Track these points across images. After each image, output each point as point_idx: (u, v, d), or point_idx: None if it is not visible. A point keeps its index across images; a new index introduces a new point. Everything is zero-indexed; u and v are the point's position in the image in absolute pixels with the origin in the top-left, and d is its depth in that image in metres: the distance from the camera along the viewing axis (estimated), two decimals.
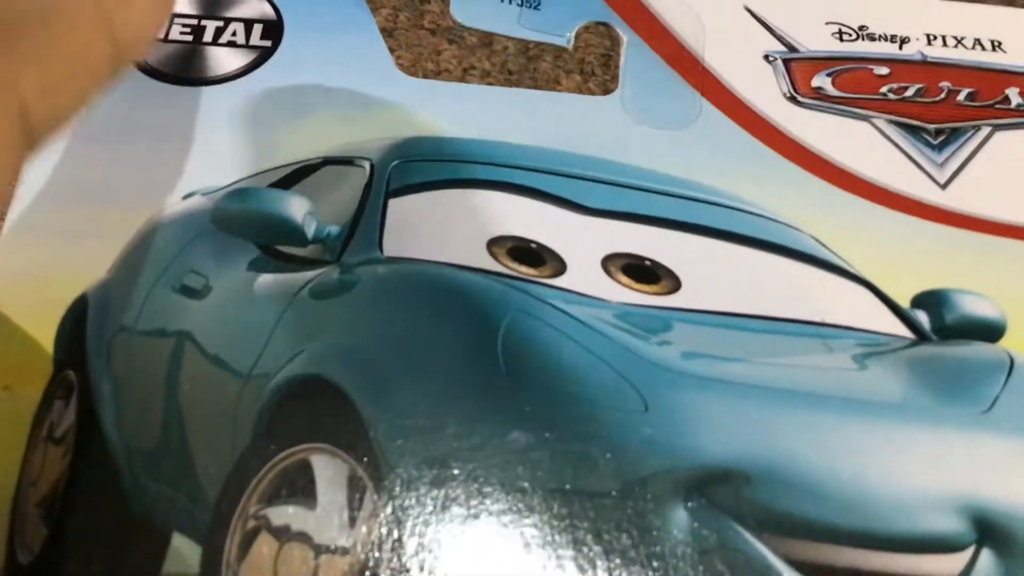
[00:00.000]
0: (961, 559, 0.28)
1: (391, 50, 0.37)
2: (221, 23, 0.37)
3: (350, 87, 0.36)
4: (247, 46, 0.37)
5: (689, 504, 0.28)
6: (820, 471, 0.28)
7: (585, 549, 0.27)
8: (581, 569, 0.27)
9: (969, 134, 0.36)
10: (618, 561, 0.27)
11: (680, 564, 0.27)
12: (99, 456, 0.31)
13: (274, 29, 0.37)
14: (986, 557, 0.28)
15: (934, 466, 0.29)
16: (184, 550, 0.29)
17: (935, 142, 0.36)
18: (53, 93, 0.24)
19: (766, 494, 0.28)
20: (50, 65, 0.24)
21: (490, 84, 0.37)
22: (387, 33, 0.37)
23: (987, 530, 0.28)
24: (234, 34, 0.37)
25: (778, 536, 0.28)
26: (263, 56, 0.37)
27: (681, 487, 0.28)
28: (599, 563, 0.27)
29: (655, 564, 0.27)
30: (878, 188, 0.35)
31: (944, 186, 0.35)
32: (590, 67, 0.36)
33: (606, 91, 0.37)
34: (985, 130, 0.36)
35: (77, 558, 0.30)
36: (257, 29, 0.37)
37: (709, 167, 0.35)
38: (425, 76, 0.37)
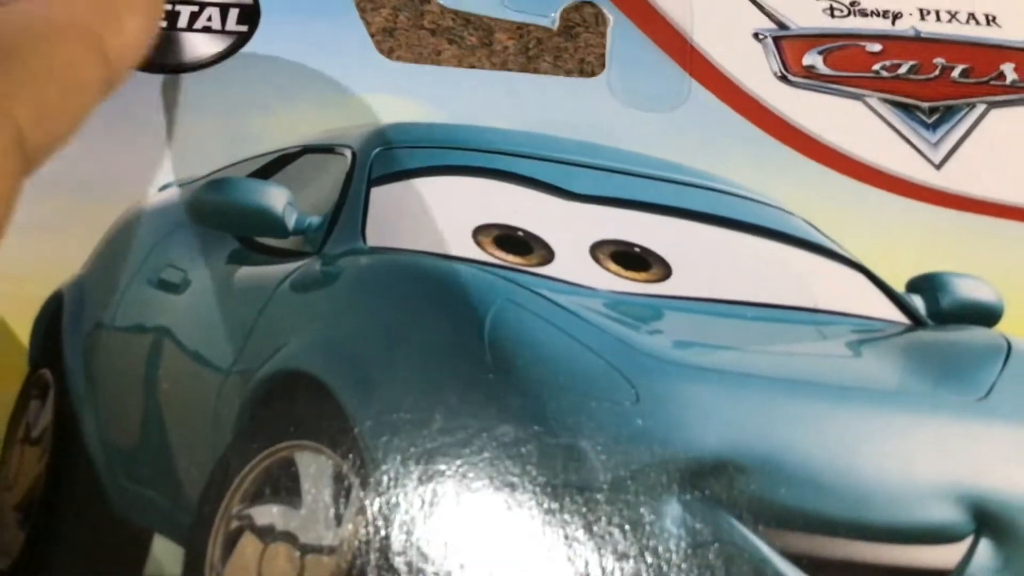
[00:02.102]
0: (959, 549, 0.28)
1: (391, 50, 0.36)
2: (196, 8, 0.36)
3: (329, 72, 0.35)
4: (223, 31, 0.36)
5: (682, 497, 0.27)
6: (815, 461, 0.28)
7: (576, 544, 0.27)
8: (573, 564, 0.27)
9: (964, 112, 0.35)
10: (610, 556, 0.27)
11: (673, 558, 0.27)
12: (77, 457, 0.31)
13: (250, 13, 0.36)
14: (984, 547, 0.28)
15: (931, 455, 0.29)
16: (166, 552, 0.29)
17: (929, 121, 0.35)
18: (48, 118, 0.24)
19: (761, 485, 0.28)
20: (44, 90, 0.24)
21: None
22: (387, 33, 0.36)
23: (985, 520, 0.28)
24: (209, 19, 0.36)
25: (773, 528, 0.27)
26: (240, 41, 0.36)
27: (674, 479, 0.27)
28: (591, 558, 0.27)
29: (648, 558, 0.27)
30: (871, 169, 0.34)
31: (939, 166, 0.34)
32: (590, 67, 0.36)
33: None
34: (980, 108, 0.35)
35: (56, 563, 0.29)
36: (233, 14, 0.36)
37: (699, 149, 0.34)
38: None
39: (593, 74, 0.36)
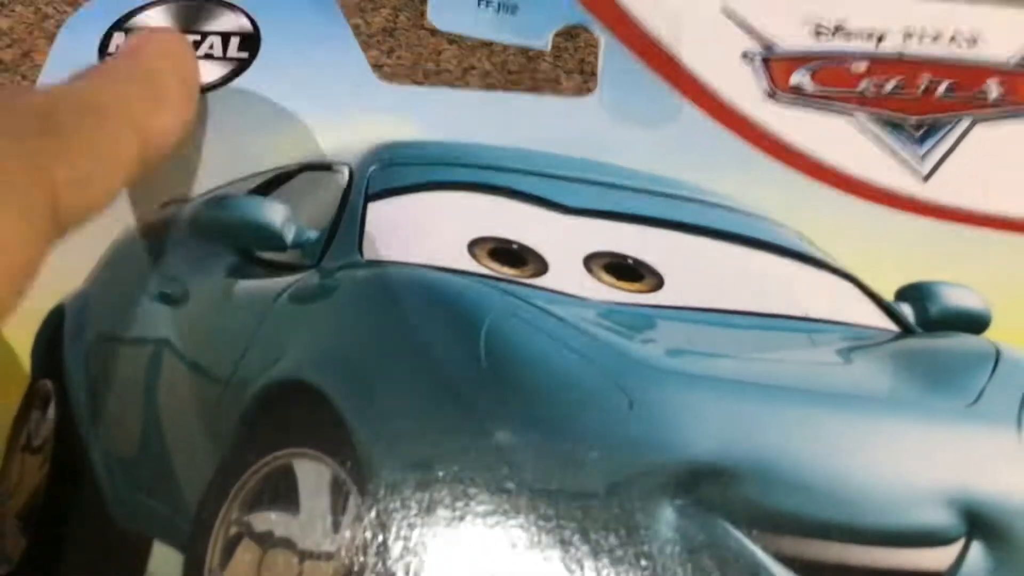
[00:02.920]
0: (951, 552, 0.28)
1: (391, 50, 0.37)
2: (199, 37, 0.37)
3: (327, 95, 0.36)
4: (224, 58, 0.37)
5: (676, 502, 0.28)
6: (808, 466, 0.28)
7: (572, 549, 0.27)
8: (569, 569, 0.27)
9: (949, 127, 0.36)
10: (606, 561, 0.27)
11: (668, 563, 0.27)
12: (77, 465, 0.31)
13: (251, 41, 0.37)
14: (976, 549, 0.28)
15: (922, 459, 0.29)
16: (166, 559, 0.29)
17: (915, 135, 0.35)
18: (83, 185, 0.26)
19: (754, 490, 0.28)
20: (84, 157, 0.26)
21: (491, 84, 0.37)
22: (387, 33, 0.37)
23: (977, 522, 0.28)
24: (211, 47, 0.37)
25: (767, 532, 0.27)
26: (240, 67, 0.37)
27: (668, 485, 0.28)
28: (587, 563, 0.27)
29: (643, 563, 0.27)
30: (860, 182, 0.35)
31: (926, 179, 0.35)
32: (590, 66, 0.37)
33: None
34: (965, 123, 0.36)
35: (57, 569, 0.30)
36: (234, 42, 0.37)
37: (689, 165, 0.35)
38: (426, 76, 0.37)
39: (593, 74, 0.37)
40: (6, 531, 0.30)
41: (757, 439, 0.29)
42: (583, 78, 0.36)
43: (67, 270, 0.33)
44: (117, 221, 0.33)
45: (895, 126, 0.36)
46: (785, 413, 0.29)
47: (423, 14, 0.37)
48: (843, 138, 0.36)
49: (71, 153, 0.26)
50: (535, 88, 0.37)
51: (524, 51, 0.36)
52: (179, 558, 0.29)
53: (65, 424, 0.32)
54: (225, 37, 0.37)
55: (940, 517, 0.28)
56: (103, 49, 0.36)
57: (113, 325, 0.32)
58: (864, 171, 0.35)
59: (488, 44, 0.36)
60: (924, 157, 0.35)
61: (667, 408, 0.29)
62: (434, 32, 0.36)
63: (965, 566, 0.28)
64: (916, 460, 0.29)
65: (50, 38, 0.37)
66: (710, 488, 0.28)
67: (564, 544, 0.27)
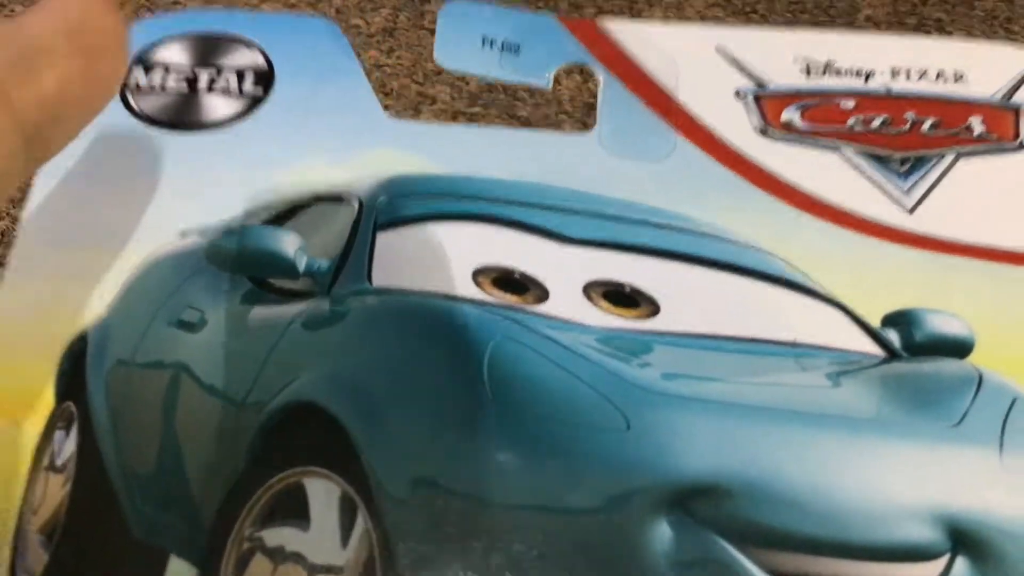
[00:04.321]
0: (937, 566, 0.29)
1: (391, 50, 0.37)
2: (215, 71, 0.38)
3: (338, 130, 0.37)
4: (240, 94, 0.38)
5: (671, 519, 0.28)
6: (798, 484, 0.29)
7: (572, 565, 0.28)
8: None
9: (934, 161, 0.37)
10: None
11: None
12: (98, 483, 0.32)
13: (265, 77, 0.38)
14: (960, 564, 0.29)
15: (908, 478, 0.30)
16: (181, 573, 0.30)
17: (901, 170, 0.37)
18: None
19: (747, 508, 0.28)
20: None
21: (491, 86, 0.37)
22: (387, 33, 0.37)
23: (960, 538, 0.29)
24: (227, 82, 0.38)
25: (760, 548, 0.28)
26: (254, 103, 0.38)
27: (663, 503, 0.28)
28: None
29: None
30: (847, 214, 0.36)
31: (911, 211, 0.36)
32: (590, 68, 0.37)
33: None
34: (949, 157, 0.37)
35: None
36: (249, 77, 0.38)
37: (685, 198, 0.36)
38: (426, 76, 0.37)
39: (593, 75, 0.38)
40: (29, 546, 0.31)
41: (750, 458, 0.29)
42: (583, 78, 0.37)
43: (89, 298, 0.34)
44: (136, 250, 0.35)
45: (882, 160, 0.37)
46: (776, 433, 0.30)
47: (423, 14, 0.37)
48: (832, 172, 0.37)
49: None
50: (532, 98, 0.37)
51: None
52: (194, 572, 0.30)
53: (87, 444, 0.32)
54: (240, 73, 0.38)
55: (926, 533, 0.29)
56: (124, 84, 0.38)
57: (133, 351, 0.33)
58: (852, 203, 0.36)
59: None
60: (910, 190, 0.36)
61: (662, 429, 0.29)
62: (434, 32, 0.37)
63: None
64: (902, 478, 0.30)
65: None
66: (704, 505, 0.28)
67: (563, 558, 0.28)
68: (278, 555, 0.29)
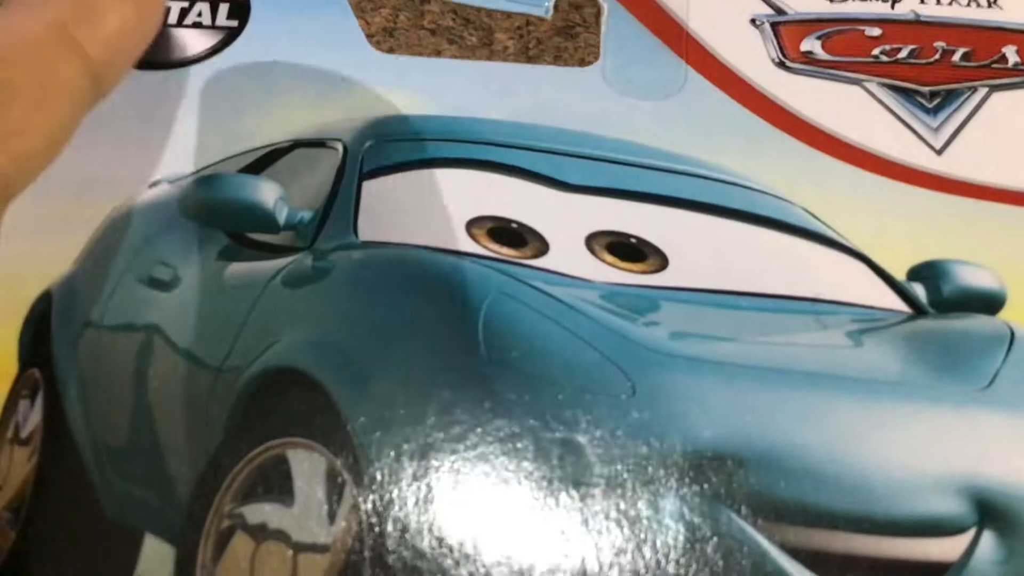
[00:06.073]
0: (962, 542, 0.28)
1: (391, 50, 0.36)
2: (186, 3, 0.36)
3: (320, 66, 0.35)
4: (213, 27, 0.36)
5: (680, 490, 0.27)
6: (815, 454, 0.28)
7: (573, 539, 0.27)
8: (569, 559, 0.27)
9: (965, 96, 0.35)
10: (607, 550, 0.27)
11: (672, 552, 0.27)
12: (67, 457, 0.31)
13: (240, 8, 0.36)
14: (987, 539, 0.28)
15: (933, 446, 0.29)
16: (157, 552, 0.29)
17: (930, 105, 0.35)
18: (19, 135, 0.24)
19: (760, 479, 0.27)
20: (12, 105, 0.24)
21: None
22: (387, 33, 0.36)
23: (988, 512, 0.28)
24: (199, 15, 0.36)
25: (772, 522, 0.27)
26: (230, 37, 0.36)
27: (672, 473, 0.27)
28: (588, 553, 0.27)
29: (646, 553, 0.27)
30: (871, 155, 0.34)
31: (940, 151, 0.34)
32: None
33: None
34: (982, 91, 0.35)
35: (46, 563, 0.30)
36: (223, 9, 0.36)
37: (695, 138, 0.34)
38: None
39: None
40: None
41: (763, 425, 0.28)
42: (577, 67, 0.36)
43: (56, 256, 0.32)
44: (104, 202, 0.33)
45: (909, 95, 0.35)
46: (792, 398, 0.29)
47: (423, 14, 0.36)
48: (854, 109, 0.35)
49: None
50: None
51: (524, 51, 0.36)
52: (171, 551, 0.29)
53: (54, 415, 0.31)
54: (214, 4, 0.36)
55: (951, 506, 0.28)
56: None
57: (102, 311, 0.32)
58: (876, 144, 0.34)
59: (488, 44, 0.36)
60: (939, 128, 0.34)
61: (671, 394, 0.28)
62: (434, 32, 0.36)
63: (976, 557, 0.28)
64: (927, 447, 0.29)
65: None
66: (715, 476, 0.27)
67: (564, 533, 0.27)
68: (260, 532, 0.28)
